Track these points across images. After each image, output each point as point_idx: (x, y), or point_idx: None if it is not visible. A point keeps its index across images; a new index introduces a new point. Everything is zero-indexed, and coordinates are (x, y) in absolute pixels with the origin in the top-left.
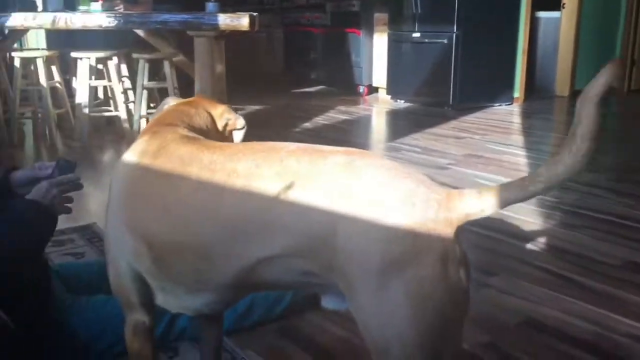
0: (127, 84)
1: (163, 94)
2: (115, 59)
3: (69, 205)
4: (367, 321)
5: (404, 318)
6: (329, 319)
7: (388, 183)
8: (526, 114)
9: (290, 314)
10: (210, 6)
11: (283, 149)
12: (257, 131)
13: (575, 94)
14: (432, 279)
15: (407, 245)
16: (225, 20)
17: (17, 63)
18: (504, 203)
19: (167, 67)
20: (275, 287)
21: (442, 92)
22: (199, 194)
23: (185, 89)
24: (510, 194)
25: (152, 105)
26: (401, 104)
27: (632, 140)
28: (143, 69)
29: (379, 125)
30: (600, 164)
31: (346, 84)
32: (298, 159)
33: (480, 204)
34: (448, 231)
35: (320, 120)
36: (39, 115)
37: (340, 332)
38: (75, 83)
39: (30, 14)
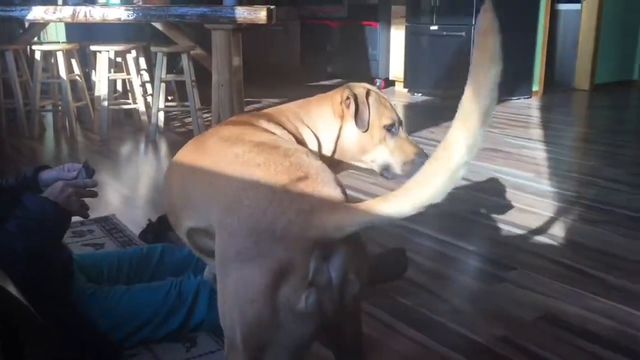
0: (146, 77)
1: (181, 87)
2: (133, 52)
3: (85, 210)
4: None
5: (230, 310)
6: None
7: (255, 184)
8: (545, 108)
9: None
10: None
11: (236, 143)
12: None
13: (595, 88)
14: (257, 289)
15: (246, 246)
16: (242, 13)
17: (37, 56)
18: (382, 220)
19: (185, 60)
20: (208, 252)
21: (460, 86)
22: (183, 172)
23: (203, 82)
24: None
25: (169, 98)
26: (418, 97)
27: None
28: (161, 62)
29: None
30: (620, 158)
31: (363, 77)
32: (225, 151)
33: (346, 220)
34: (296, 247)
35: None
36: (59, 108)
37: None
38: (94, 76)
39: (50, 7)
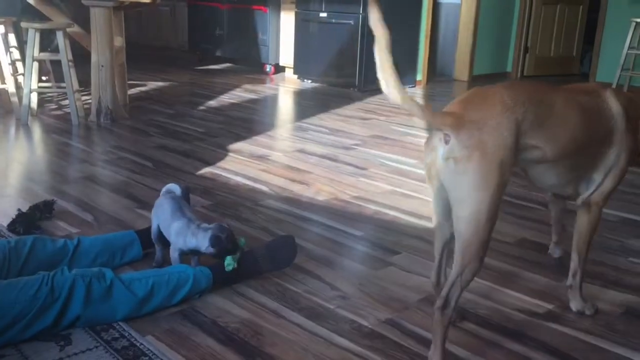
0: (16, 54)
1: (57, 66)
2: (1, 28)
3: None
4: None
5: None
6: (233, 301)
7: None
8: (428, 97)
9: (192, 298)
10: None
11: None
12: (159, 108)
13: (473, 79)
14: None
15: None
16: None
17: None
18: None
19: (60, 38)
20: None
21: (348, 73)
22: None
23: (82, 62)
24: None
25: (43, 78)
26: (308, 84)
27: None
28: (33, 39)
29: (285, 105)
30: None
31: (252, 62)
32: None
33: None
34: None
35: (226, 98)
36: None
37: (244, 314)
38: None
39: None
